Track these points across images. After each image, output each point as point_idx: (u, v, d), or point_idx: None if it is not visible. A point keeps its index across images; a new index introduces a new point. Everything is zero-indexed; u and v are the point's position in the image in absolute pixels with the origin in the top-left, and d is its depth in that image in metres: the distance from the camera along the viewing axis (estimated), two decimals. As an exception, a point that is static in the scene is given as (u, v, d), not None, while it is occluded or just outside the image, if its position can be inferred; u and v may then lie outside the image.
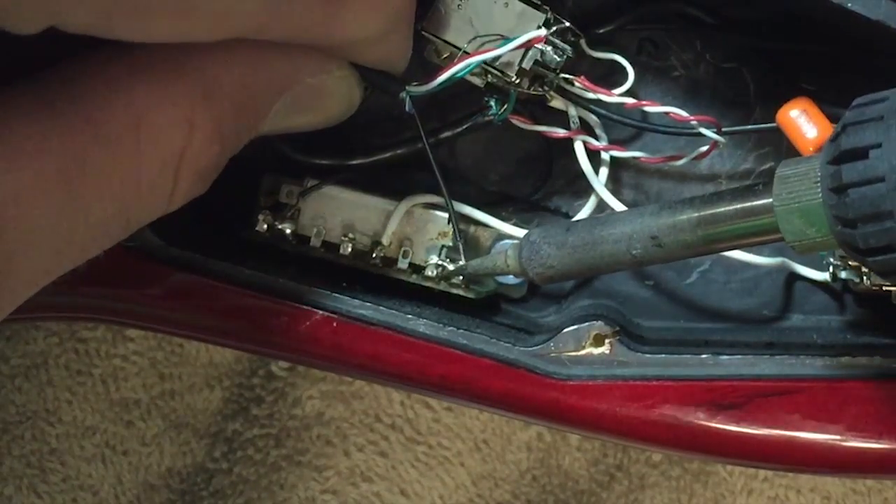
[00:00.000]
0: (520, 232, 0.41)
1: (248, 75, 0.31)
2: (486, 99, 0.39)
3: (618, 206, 0.40)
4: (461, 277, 0.41)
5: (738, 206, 0.33)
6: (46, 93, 0.27)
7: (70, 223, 0.27)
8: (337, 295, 0.40)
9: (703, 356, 0.39)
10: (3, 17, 0.24)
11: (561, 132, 0.40)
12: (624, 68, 0.40)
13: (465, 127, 0.40)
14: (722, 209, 0.34)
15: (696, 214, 0.34)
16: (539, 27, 0.37)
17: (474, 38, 0.37)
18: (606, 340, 0.39)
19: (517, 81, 0.38)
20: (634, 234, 0.35)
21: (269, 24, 0.29)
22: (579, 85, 0.40)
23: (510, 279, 0.42)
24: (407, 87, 0.37)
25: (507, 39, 0.37)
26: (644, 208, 0.35)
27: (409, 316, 0.39)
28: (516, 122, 0.40)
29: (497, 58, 0.37)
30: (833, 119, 0.39)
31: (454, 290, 0.41)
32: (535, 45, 0.37)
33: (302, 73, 0.34)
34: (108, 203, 0.28)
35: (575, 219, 0.41)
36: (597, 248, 0.36)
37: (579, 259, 0.36)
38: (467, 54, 0.37)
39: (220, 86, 0.30)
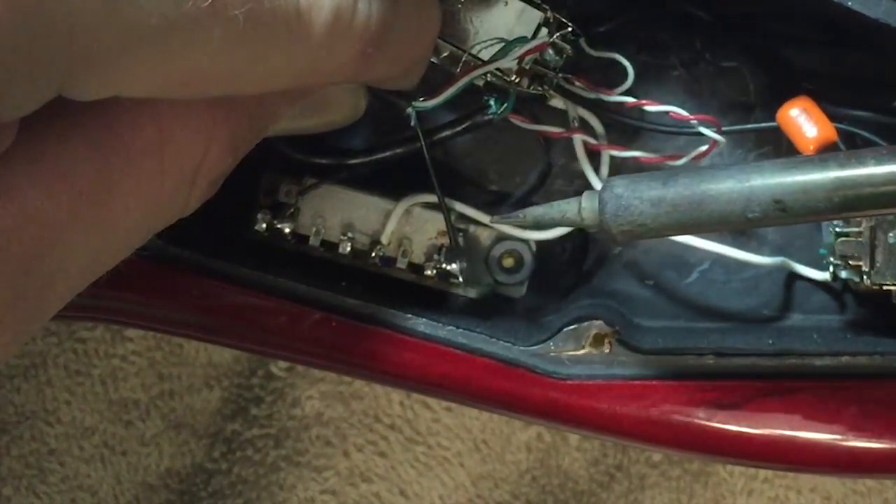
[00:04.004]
0: (519, 231, 0.41)
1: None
2: (486, 98, 0.39)
3: (618, 206, 0.40)
4: (460, 277, 0.41)
5: (889, 169, 0.30)
6: (77, 112, 0.27)
7: (100, 242, 0.28)
8: (336, 294, 0.40)
9: (704, 356, 0.39)
10: (70, 90, 0.24)
11: (560, 131, 0.40)
12: (624, 67, 0.40)
13: (464, 126, 0.40)
14: (867, 172, 0.30)
15: (834, 176, 0.30)
16: (539, 26, 0.37)
17: (475, 38, 0.37)
18: (606, 340, 0.39)
19: (517, 81, 0.38)
20: (753, 195, 0.31)
21: (308, 82, 0.31)
22: (579, 84, 0.40)
23: (511, 278, 0.42)
24: (413, 104, 0.37)
25: (508, 44, 0.37)
26: (761, 165, 0.32)
27: (409, 315, 0.39)
28: (516, 121, 0.40)
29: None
30: (833, 118, 0.39)
31: (453, 290, 0.41)
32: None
33: (316, 87, 0.35)
34: (133, 218, 0.29)
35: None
36: (703, 207, 0.31)
37: (679, 219, 0.32)
38: (471, 56, 0.37)
39: (239, 100, 0.31)
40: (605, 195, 0.32)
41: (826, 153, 0.32)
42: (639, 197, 0.32)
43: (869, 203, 0.30)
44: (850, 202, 0.30)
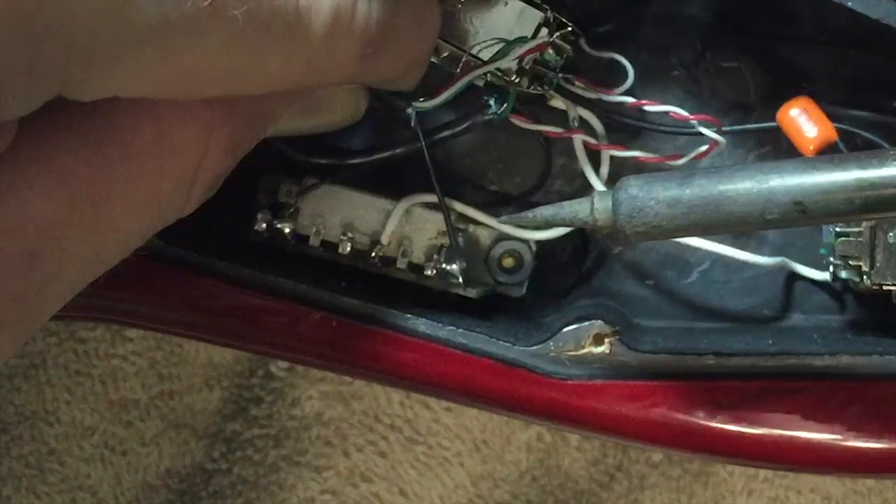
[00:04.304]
0: (519, 231, 0.41)
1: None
2: (486, 98, 0.39)
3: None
4: (460, 278, 0.41)
5: None
6: (77, 112, 0.27)
7: (99, 242, 0.28)
8: (336, 294, 0.40)
9: (704, 356, 0.39)
10: (70, 90, 0.24)
11: (560, 131, 0.40)
12: (624, 67, 0.40)
13: (464, 126, 0.40)
14: (890, 173, 0.30)
15: (855, 177, 0.30)
16: (539, 26, 0.37)
17: (475, 38, 0.37)
18: (606, 340, 0.39)
19: (517, 81, 0.38)
20: (773, 196, 0.30)
21: (307, 82, 0.31)
22: (579, 84, 0.40)
23: (511, 278, 0.42)
24: (413, 104, 0.37)
25: (509, 44, 0.37)
26: (780, 166, 0.31)
27: (409, 315, 0.39)
28: (516, 121, 0.40)
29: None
30: (833, 119, 0.39)
31: (453, 290, 0.41)
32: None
33: (315, 87, 0.35)
34: (132, 218, 0.29)
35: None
36: (721, 208, 0.31)
37: (696, 220, 0.31)
38: (471, 56, 0.37)
39: (239, 100, 0.31)
40: (620, 196, 0.32)
41: (845, 154, 0.31)
42: (654, 198, 0.31)
43: (891, 204, 0.30)
44: (871, 204, 0.30)
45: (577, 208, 0.33)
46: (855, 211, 0.30)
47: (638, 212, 0.31)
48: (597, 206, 0.32)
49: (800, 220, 0.31)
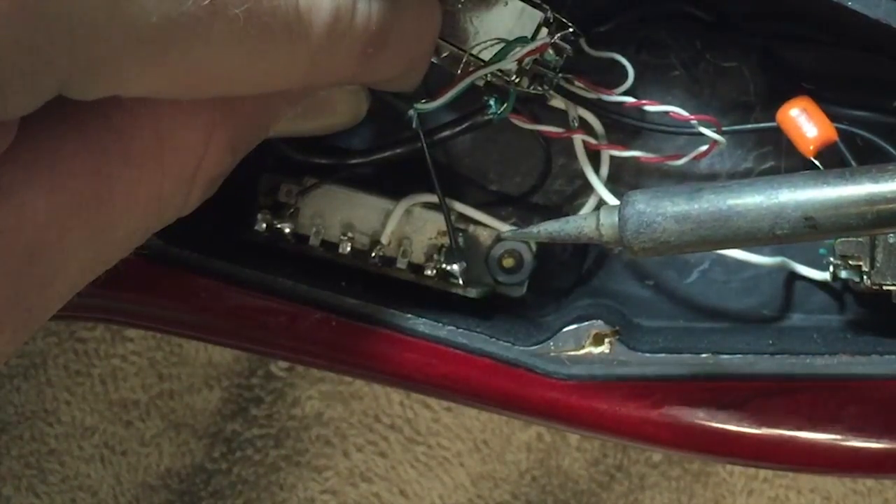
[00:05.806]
0: (519, 231, 0.41)
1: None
2: (486, 98, 0.39)
3: (618, 206, 0.40)
4: (460, 278, 0.41)
5: None
6: (77, 112, 0.27)
7: (99, 241, 0.28)
8: (336, 294, 0.39)
9: (703, 356, 0.39)
10: (71, 89, 0.24)
11: (560, 131, 0.40)
12: (624, 67, 0.40)
13: (464, 126, 0.40)
14: None
15: (867, 192, 0.29)
16: (539, 26, 0.37)
17: (475, 39, 0.37)
18: (606, 340, 0.39)
19: (517, 81, 0.38)
20: (783, 212, 0.30)
21: (308, 82, 0.31)
22: (579, 84, 0.40)
23: (511, 278, 0.42)
24: (415, 105, 0.37)
25: (509, 44, 0.37)
26: (790, 179, 0.31)
27: (409, 315, 0.39)
28: (516, 121, 0.40)
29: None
30: (833, 118, 0.39)
31: (453, 290, 0.41)
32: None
33: (316, 87, 0.35)
34: (132, 218, 0.29)
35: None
36: (730, 223, 0.30)
37: (704, 235, 0.31)
38: (472, 56, 0.37)
39: (239, 100, 0.31)
40: (627, 211, 0.31)
41: (855, 167, 0.31)
42: (662, 213, 0.31)
43: None
44: (884, 218, 0.29)
45: (582, 223, 0.33)
46: (867, 226, 0.30)
47: (645, 227, 0.31)
48: (603, 221, 0.32)
49: (810, 234, 0.30)
